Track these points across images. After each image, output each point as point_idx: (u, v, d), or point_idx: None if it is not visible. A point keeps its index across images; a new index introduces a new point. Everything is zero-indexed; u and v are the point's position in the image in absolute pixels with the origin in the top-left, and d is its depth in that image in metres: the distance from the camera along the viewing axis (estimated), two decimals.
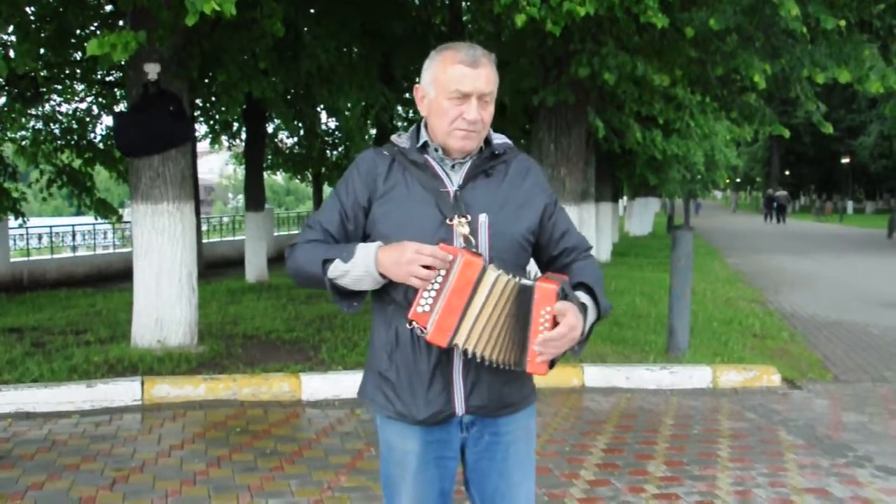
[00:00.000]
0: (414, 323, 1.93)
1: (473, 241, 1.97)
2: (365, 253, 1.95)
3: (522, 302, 1.91)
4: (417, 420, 2.05)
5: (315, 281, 2.01)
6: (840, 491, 4.24)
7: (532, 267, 2.15)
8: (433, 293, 1.90)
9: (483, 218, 1.99)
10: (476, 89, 1.95)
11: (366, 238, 2.05)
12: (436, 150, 2.05)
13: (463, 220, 1.97)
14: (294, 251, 2.07)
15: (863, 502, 4.09)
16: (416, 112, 19.35)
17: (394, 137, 2.11)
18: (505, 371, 2.01)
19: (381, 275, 1.94)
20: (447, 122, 1.98)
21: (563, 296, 1.93)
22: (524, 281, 1.91)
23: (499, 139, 2.12)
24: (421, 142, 2.06)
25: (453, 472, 2.17)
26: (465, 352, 1.94)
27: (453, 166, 2.05)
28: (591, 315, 2.01)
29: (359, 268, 1.95)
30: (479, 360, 1.95)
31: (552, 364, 1.98)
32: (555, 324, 1.91)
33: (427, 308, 1.91)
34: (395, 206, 2.01)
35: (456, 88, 1.95)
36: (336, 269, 1.97)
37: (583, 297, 2.00)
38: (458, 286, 1.89)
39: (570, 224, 2.17)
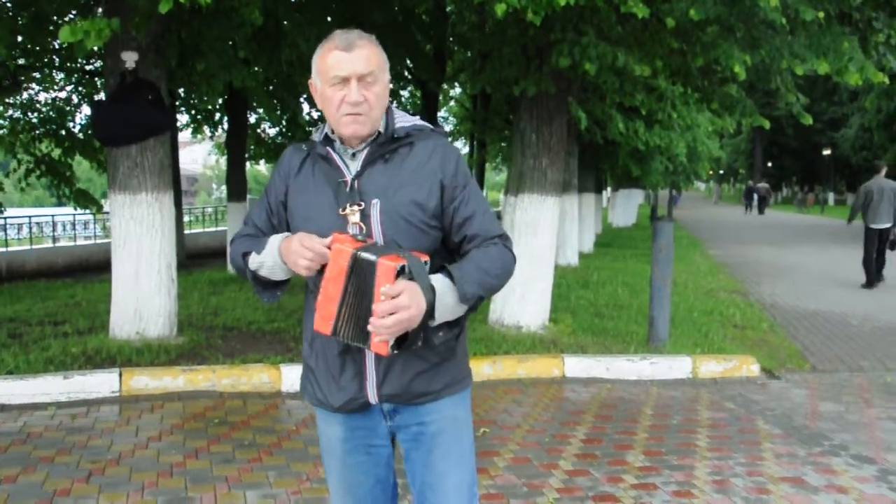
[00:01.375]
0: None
1: (364, 228, 1.97)
2: (272, 244, 2.02)
3: (367, 278, 1.86)
4: (334, 407, 2.09)
5: (242, 273, 2.10)
6: (815, 480, 4.28)
7: None
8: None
9: (375, 203, 1.99)
10: (354, 71, 1.95)
11: (289, 231, 2.11)
12: (335, 140, 2.06)
13: (355, 207, 1.98)
14: (231, 246, 2.17)
15: (837, 490, 4.13)
16: (399, 102, 19.33)
17: (313, 132, 2.15)
18: (419, 358, 2.01)
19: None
20: (333, 109, 1.99)
21: (410, 276, 1.85)
22: (369, 256, 1.86)
23: (406, 121, 2.08)
24: (323, 134, 2.08)
25: (387, 459, 2.18)
26: (343, 339, 1.93)
27: (354, 155, 2.05)
28: (450, 300, 1.90)
29: (269, 258, 2.01)
30: (344, 342, 1.94)
31: (399, 345, 1.90)
32: None
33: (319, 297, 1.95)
34: (301, 199, 2.07)
35: (334, 74, 1.96)
36: (254, 262, 2.05)
37: (438, 280, 1.90)
38: (332, 275, 1.90)
39: (480, 209, 2.06)
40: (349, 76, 1.95)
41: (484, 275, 1.96)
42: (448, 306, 1.91)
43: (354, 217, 1.98)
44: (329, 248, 1.90)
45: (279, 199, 2.12)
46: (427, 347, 2.00)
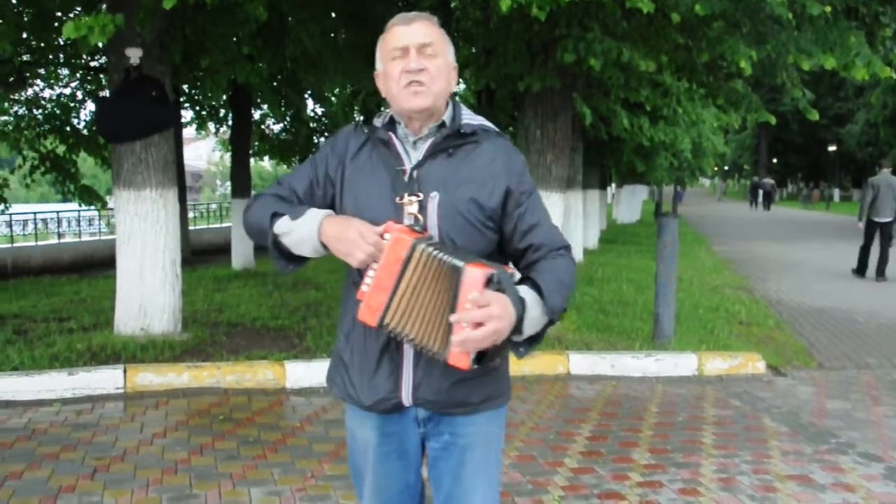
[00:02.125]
0: (359, 302, 1.88)
1: (421, 219, 1.90)
2: (312, 217, 1.91)
3: (451, 284, 1.77)
4: (365, 406, 2.01)
5: (261, 233, 1.97)
6: (822, 477, 4.25)
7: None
8: (374, 271, 1.85)
9: (433, 196, 1.92)
10: (412, 41, 1.92)
11: (332, 210, 2.01)
12: (399, 124, 2.00)
13: (413, 198, 1.91)
14: (254, 200, 2.05)
15: (845, 488, 4.11)
16: None
17: (376, 117, 2.09)
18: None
19: (323, 244, 1.89)
20: (394, 81, 1.94)
21: (499, 285, 1.77)
22: (455, 261, 1.76)
23: (472, 119, 2.03)
24: (387, 118, 2.03)
25: (417, 466, 2.10)
26: (392, 332, 1.85)
27: (416, 143, 1.99)
28: (537, 314, 1.84)
29: (303, 229, 1.90)
30: (404, 340, 1.86)
31: (481, 359, 1.82)
32: None
33: (367, 287, 1.86)
34: (356, 184, 1.99)
35: (394, 47, 1.94)
36: (281, 225, 1.93)
37: (526, 292, 1.83)
38: (387, 264, 1.81)
39: (544, 218, 2.02)
40: (408, 45, 1.92)
41: (563, 287, 1.92)
42: (535, 320, 1.84)
43: (412, 207, 1.91)
44: (382, 236, 1.83)
45: (329, 175, 2.02)
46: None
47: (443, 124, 1.99)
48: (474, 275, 1.74)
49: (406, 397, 1.97)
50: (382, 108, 2.19)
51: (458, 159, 1.97)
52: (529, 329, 1.84)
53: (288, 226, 1.92)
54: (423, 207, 1.92)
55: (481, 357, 1.82)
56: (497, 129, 2.06)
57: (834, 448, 4.75)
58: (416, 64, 1.91)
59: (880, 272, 12.79)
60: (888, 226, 12.77)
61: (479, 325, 1.72)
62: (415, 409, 2.01)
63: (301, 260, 2.00)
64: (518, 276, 1.88)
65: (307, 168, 2.07)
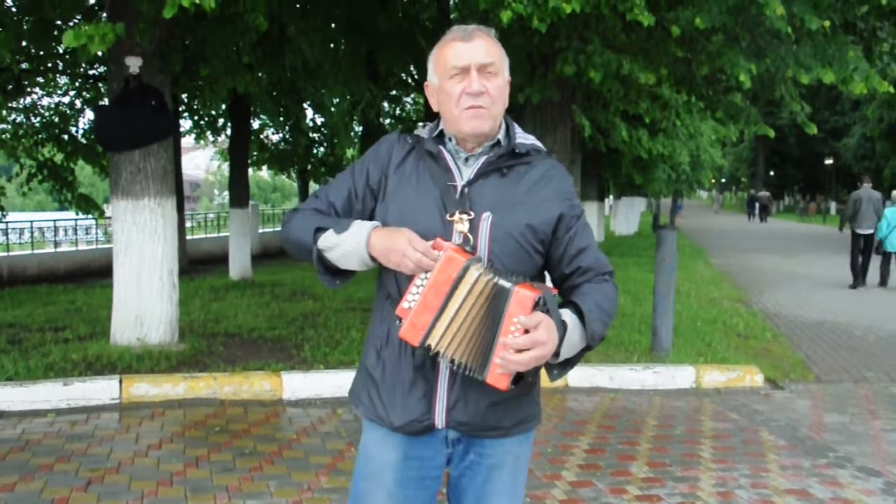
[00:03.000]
0: (398, 319, 1.82)
1: (472, 239, 1.85)
2: (359, 230, 1.85)
3: (497, 305, 1.75)
4: (394, 426, 1.92)
5: (304, 249, 1.91)
6: (821, 492, 4.23)
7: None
8: (421, 289, 1.79)
9: (486, 216, 1.86)
10: (473, 60, 1.85)
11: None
12: (450, 139, 1.94)
13: (464, 216, 1.85)
14: (293, 216, 1.98)
15: (843, 503, 4.09)
16: (402, 109, 19.34)
17: (419, 127, 2.03)
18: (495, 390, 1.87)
19: (372, 257, 1.84)
20: (453, 102, 1.87)
21: (545, 308, 1.75)
22: (503, 282, 1.75)
23: (526, 139, 1.97)
24: (437, 131, 1.96)
25: (434, 493, 2.02)
26: (436, 353, 1.80)
27: (467, 160, 1.93)
28: (575, 338, 1.82)
29: (349, 243, 1.84)
30: (446, 361, 1.82)
31: (518, 381, 1.81)
32: None
33: (411, 304, 1.80)
34: (401, 195, 1.92)
35: (453, 65, 1.87)
36: (327, 240, 1.87)
37: (567, 316, 1.82)
38: (437, 283, 1.76)
39: (592, 242, 1.98)
40: (469, 65, 1.85)
41: (604, 314, 1.88)
42: (573, 344, 1.82)
43: (462, 226, 1.84)
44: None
45: (370, 186, 1.96)
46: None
47: (497, 143, 1.94)
48: (522, 297, 1.73)
49: (439, 419, 1.91)
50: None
51: (512, 180, 1.91)
52: (566, 353, 1.82)
53: (333, 240, 1.86)
54: (473, 227, 1.86)
55: (518, 378, 1.81)
56: (546, 150, 2.01)
57: (832, 462, 4.73)
58: (478, 86, 1.85)
59: (861, 276, 13.67)
60: (870, 237, 13.58)
61: (525, 349, 1.71)
62: (446, 431, 1.94)
63: (348, 274, 1.94)
64: (557, 297, 1.84)
65: (346, 179, 2.00)
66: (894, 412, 5.94)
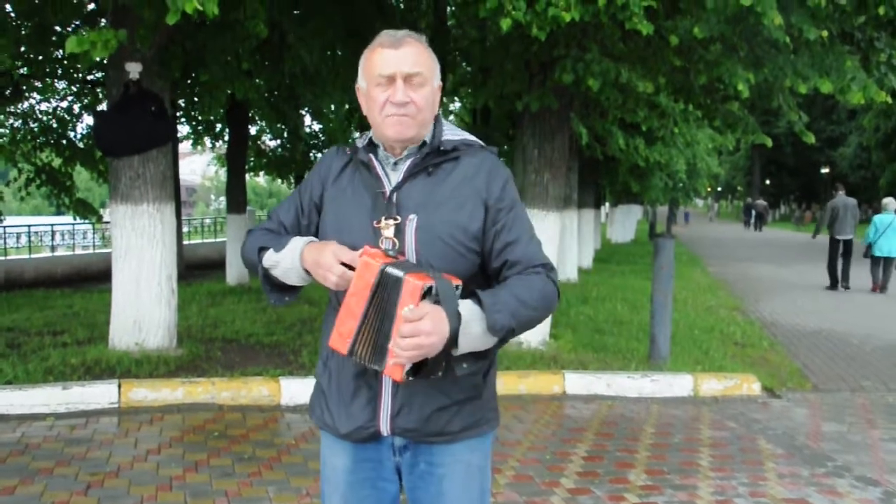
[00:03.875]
0: None
1: (398, 243, 1.84)
2: (294, 245, 1.88)
3: (391, 296, 1.72)
4: (340, 434, 1.93)
5: (254, 268, 1.97)
6: (820, 501, 4.25)
7: None
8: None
9: (412, 219, 1.85)
10: (400, 69, 1.82)
11: (317, 236, 1.97)
12: (377, 146, 1.94)
13: (390, 221, 1.84)
14: (247, 236, 2.03)
15: None
16: None
17: (357, 136, 2.03)
18: (441, 393, 1.86)
19: (307, 271, 1.86)
20: (378, 110, 1.86)
21: (435, 297, 1.71)
22: (396, 272, 1.72)
23: (455, 135, 1.95)
24: (367, 139, 1.96)
25: (392, 498, 2.00)
26: (361, 360, 1.79)
27: (395, 164, 1.92)
28: (475, 330, 1.74)
29: (287, 260, 1.88)
30: (361, 363, 1.80)
31: (415, 372, 1.76)
32: None
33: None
34: (336, 206, 1.94)
35: (379, 73, 1.84)
36: (269, 259, 1.92)
37: (466, 307, 1.74)
38: (357, 289, 1.75)
39: (524, 235, 1.90)
40: (394, 74, 1.83)
41: (520, 305, 1.79)
42: (475, 336, 1.74)
43: (388, 231, 1.83)
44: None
45: (313, 201, 1.99)
46: (449, 380, 1.83)
47: (423, 143, 1.92)
48: (412, 287, 1.70)
49: (384, 426, 1.89)
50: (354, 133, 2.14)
51: (438, 178, 1.89)
52: (468, 345, 1.75)
53: (274, 258, 1.90)
54: (399, 231, 1.84)
55: (418, 370, 1.77)
56: (482, 143, 1.98)
57: (830, 471, 4.74)
58: (402, 97, 1.83)
59: (845, 279, 14.45)
60: (849, 242, 14.25)
61: (410, 337, 1.68)
62: (392, 438, 1.93)
63: (294, 291, 1.98)
64: (460, 288, 1.78)
65: (294, 197, 2.04)
66: (892, 421, 5.96)
